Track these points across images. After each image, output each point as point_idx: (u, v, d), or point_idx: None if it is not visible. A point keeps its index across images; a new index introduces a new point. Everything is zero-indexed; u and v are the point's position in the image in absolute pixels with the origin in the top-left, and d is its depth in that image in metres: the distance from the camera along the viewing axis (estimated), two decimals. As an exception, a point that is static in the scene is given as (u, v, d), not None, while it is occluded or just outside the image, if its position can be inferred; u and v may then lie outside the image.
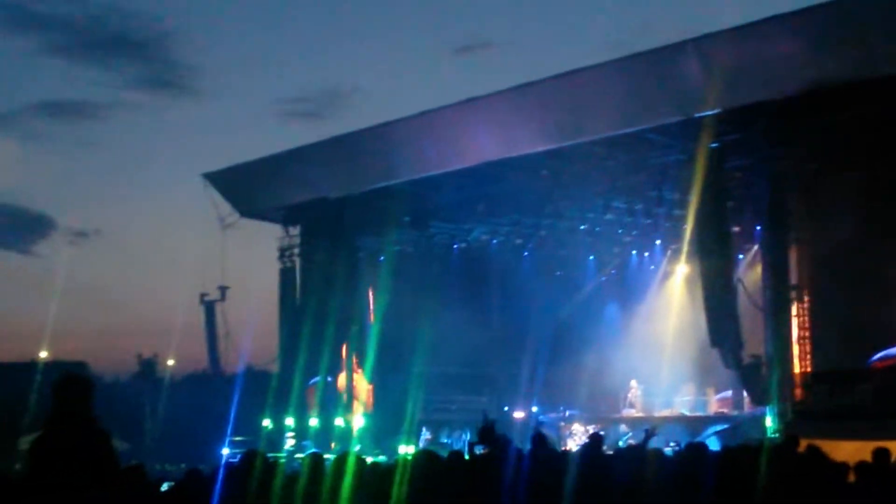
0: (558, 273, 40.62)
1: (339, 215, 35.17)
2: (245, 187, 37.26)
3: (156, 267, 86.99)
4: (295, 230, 37.90)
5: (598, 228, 37.10)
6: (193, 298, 39.97)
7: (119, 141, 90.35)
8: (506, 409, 38.61)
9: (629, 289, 40.96)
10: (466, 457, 11.97)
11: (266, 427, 35.09)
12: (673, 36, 26.07)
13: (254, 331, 40.07)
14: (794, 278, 27.29)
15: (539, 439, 12.78)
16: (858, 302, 24.35)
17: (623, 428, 34.14)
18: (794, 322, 26.80)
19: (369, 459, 11.06)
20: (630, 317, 40.51)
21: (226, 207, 37.46)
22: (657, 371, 38.23)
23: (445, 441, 35.19)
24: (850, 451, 12.19)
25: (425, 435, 35.58)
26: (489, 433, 9.30)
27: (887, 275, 23.98)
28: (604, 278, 41.65)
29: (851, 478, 10.34)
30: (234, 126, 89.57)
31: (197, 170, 38.63)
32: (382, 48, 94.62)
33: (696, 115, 25.95)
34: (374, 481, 9.45)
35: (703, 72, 25.31)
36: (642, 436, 25.21)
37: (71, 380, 6.25)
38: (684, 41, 26.27)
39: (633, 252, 40.29)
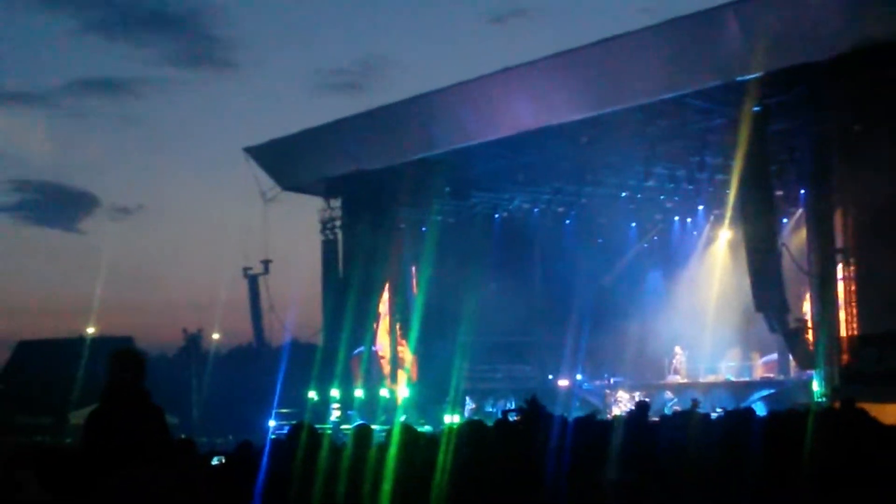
0: (600, 241, 40.51)
1: (380, 187, 35.23)
2: (286, 161, 37.36)
3: (199, 242, 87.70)
4: (336, 202, 38.00)
5: (639, 195, 36.95)
6: (237, 272, 40.31)
7: (159, 117, 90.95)
8: (550, 377, 38.67)
9: (672, 255, 40.82)
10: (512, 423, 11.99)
11: (312, 399, 35.29)
12: (708, 1, 25.72)
13: (297, 304, 40.37)
14: (839, 241, 27.02)
15: (642, 407, 12.79)
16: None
17: (668, 394, 34.12)
18: (840, 286, 26.55)
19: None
20: (673, 283, 40.37)
21: (267, 181, 37.64)
22: (701, 337, 38.06)
23: (490, 410, 35.29)
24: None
25: (470, 405, 35.69)
26: (530, 404, 9.32)
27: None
28: (646, 245, 41.54)
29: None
30: (272, 99, 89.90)
31: (238, 144, 38.85)
32: (417, 19, 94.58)
33: (738, 78, 25.74)
34: (420, 451, 9.49)
35: (743, 35, 25.07)
36: (687, 403, 25.26)
37: (125, 354, 6.30)
38: (724, 5, 26.01)
39: (676, 218, 40.12)
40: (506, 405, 35.22)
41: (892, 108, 23.00)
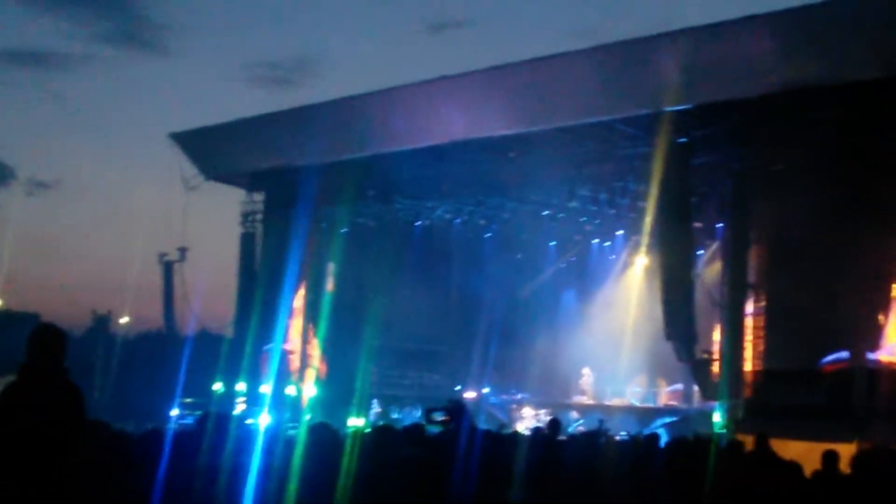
0: (518, 256, 40.78)
1: (304, 184, 35.03)
2: (211, 150, 37.04)
3: (115, 223, 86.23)
4: (259, 196, 37.75)
5: (561, 214, 37.22)
6: (152, 258, 39.83)
7: (85, 94, 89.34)
8: (457, 388, 38.73)
9: (588, 277, 41.20)
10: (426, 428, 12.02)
11: (217, 391, 35.00)
12: (647, 27, 26.14)
13: (211, 294, 40.00)
14: (751, 277, 27.54)
15: (555, 425, 12.89)
16: (812, 305, 24.60)
17: (574, 414, 34.39)
18: (749, 320, 27.04)
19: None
20: (586, 304, 40.77)
21: (191, 169, 37.24)
22: (610, 360, 38.48)
23: (396, 416, 35.28)
24: (798, 450, 12.36)
25: (375, 408, 35.65)
26: (455, 406, 9.35)
27: (841, 281, 24.24)
28: (563, 264, 41.87)
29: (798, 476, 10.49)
30: (202, 88, 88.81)
31: (163, 129, 38.40)
32: (357, 20, 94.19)
33: (666, 108, 26.06)
34: (329, 451, 9.49)
35: (675, 66, 25.40)
36: (593, 423, 25.51)
37: (48, 331, 6.19)
38: (659, 35, 26.37)
39: (595, 240, 40.50)
40: (412, 412, 35.29)
41: (813, 151, 23.48)
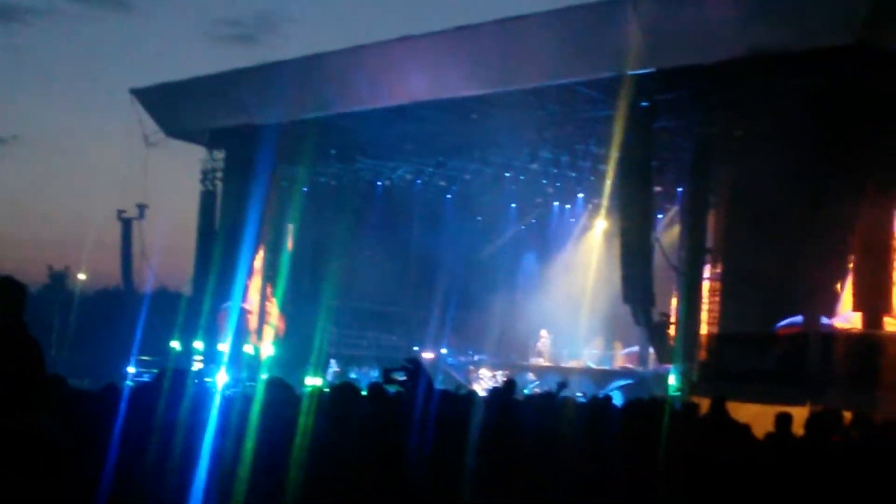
0: (479, 218, 40.84)
1: (265, 143, 34.80)
2: (173, 107, 36.76)
3: (74, 179, 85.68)
4: (219, 154, 37.51)
5: (522, 177, 37.30)
6: (111, 214, 39.58)
7: (46, 48, 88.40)
8: (415, 349, 38.85)
9: (547, 239, 41.36)
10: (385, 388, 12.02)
11: (174, 349, 34.91)
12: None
13: (170, 252, 39.82)
14: (710, 241, 27.70)
15: (510, 385, 12.93)
16: (769, 271, 24.77)
17: (530, 376, 34.58)
18: (706, 285, 27.23)
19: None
20: (546, 267, 40.95)
21: (151, 125, 36.96)
22: (568, 322, 38.70)
23: (353, 376, 35.30)
24: (752, 413, 12.50)
25: (333, 368, 35.66)
26: (413, 365, 9.32)
27: (800, 248, 24.42)
28: (523, 227, 41.97)
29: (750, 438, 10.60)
30: (165, 44, 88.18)
31: (124, 85, 38.16)
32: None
33: (629, 72, 26.08)
34: (287, 409, 9.48)
35: (639, 30, 25.40)
36: (549, 385, 25.64)
37: (5, 283, 6.09)
38: (624, -2, 26.35)
39: (555, 203, 40.63)
40: (369, 373, 35.35)
41: (774, 117, 23.58)
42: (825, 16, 22.69)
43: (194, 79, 35.98)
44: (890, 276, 22.81)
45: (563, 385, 14.47)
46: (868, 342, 17.72)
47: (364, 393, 10.77)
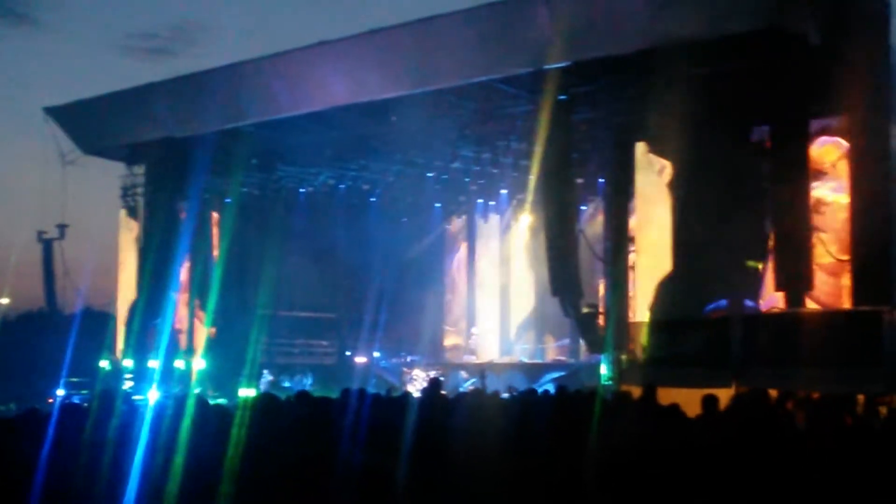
0: (404, 220, 40.87)
1: (185, 155, 34.53)
2: (88, 124, 36.28)
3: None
4: (139, 169, 37.10)
5: (445, 176, 37.36)
6: (30, 236, 38.96)
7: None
8: (348, 353, 38.84)
9: (474, 237, 41.49)
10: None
11: (104, 369, 34.49)
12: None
13: (94, 270, 39.30)
14: (633, 230, 27.97)
15: (436, 382, 12.96)
16: (693, 257, 25.07)
17: (464, 374, 34.66)
18: (632, 273, 27.48)
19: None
20: (474, 264, 41.10)
21: (67, 144, 36.46)
22: (498, 318, 38.92)
23: (287, 385, 35.19)
24: (681, 398, 12.64)
25: (267, 377, 35.48)
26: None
27: (721, 233, 24.73)
28: (449, 226, 42.07)
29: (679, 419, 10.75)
30: (76, 60, 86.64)
31: (37, 103, 37.52)
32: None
33: (545, 66, 26.25)
34: (214, 422, 9.44)
35: (552, 24, 25.58)
36: (479, 380, 25.81)
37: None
38: (535, -7, 26.52)
39: (479, 200, 40.74)
40: (302, 380, 35.29)
41: (688, 105, 23.85)
42: (735, 2, 23.02)
43: (109, 94, 35.54)
44: (809, 255, 23.17)
45: (483, 377, 14.62)
46: (788, 321, 18.02)
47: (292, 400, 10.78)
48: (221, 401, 24.71)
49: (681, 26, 23.22)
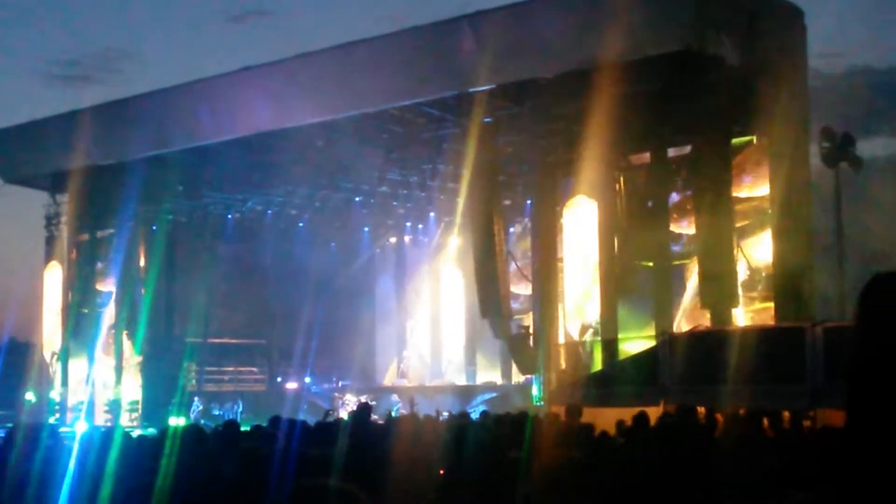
0: (332, 244, 40.81)
1: (110, 183, 34.20)
2: (10, 152, 35.83)
3: None
4: (63, 198, 36.65)
5: (372, 200, 37.39)
6: (-49, 268, 38.36)
7: None
8: (279, 380, 38.63)
9: (403, 260, 41.54)
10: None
11: (29, 401, 33.98)
12: (448, 11, 26.39)
13: (17, 301, 38.65)
14: (559, 251, 28.13)
15: (364, 409, 12.92)
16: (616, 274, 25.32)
17: (395, 398, 34.63)
18: (560, 293, 27.59)
19: (137, 433, 10.93)
20: (403, 288, 41.13)
21: (-12, 173, 36.01)
22: (429, 341, 38.93)
23: (217, 413, 34.91)
24: (612, 417, 12.78)
25: (198, 406, 35.17)
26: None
27: (644, 252, 25.03)
28: (378, 250, 42.07)
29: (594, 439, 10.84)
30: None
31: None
32: (156, 13, 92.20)
33: (470, 90, 26.40)
34: (141, 454, 9.34)
35: (476, 48, 25.74)
36: (413, 406, 25.76)
37: None
38: (459, 17, 26.69)
39: (408, 224, 40.78)
40: (233, 408, 35.01)
41: (610, 126, 24.11)
42: (653, 26, 23.37)
43: (32, 122, 35.17)
44: (733, 272, 23.48)
45: (412, 403, 14.61)
46: (714, 339, 18.25)
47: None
48: (151, 430, 24.45)
49: (602, 49, 23.48)
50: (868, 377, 2.85)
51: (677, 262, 26.52)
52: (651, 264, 24.84)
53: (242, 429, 12.10)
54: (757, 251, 25.12)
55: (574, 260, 26.24)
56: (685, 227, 26.02)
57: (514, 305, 29.83)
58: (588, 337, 25.51)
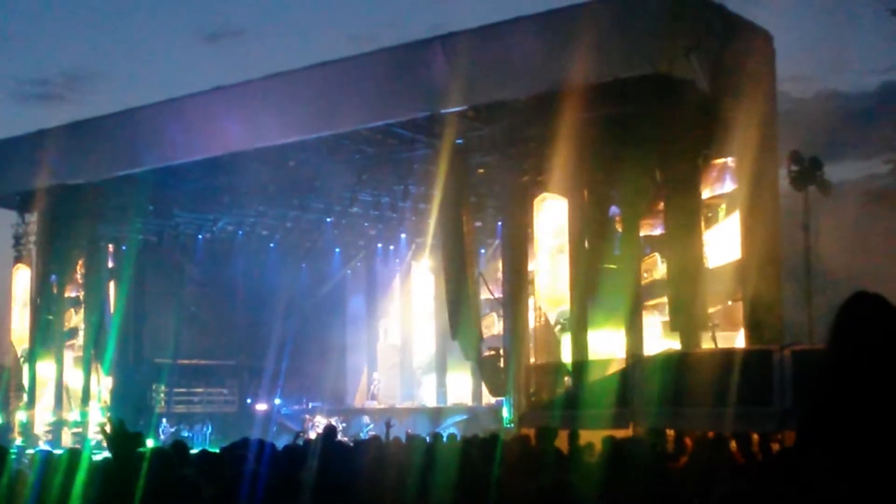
0: (303, 265, 40.74)
1: (80, 203, 34.04)
2: (-23, 172, 35.61)
3: None
4: (31, 217, 36.39)
5: (344, 221, 37.37)
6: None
7: None
8: (249, 401, 38.45)
9: (374, 281, 41.51)
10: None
11: (-4, 423, 33.73)
12: (420, 32, 26.53)
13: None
14: (531, 273, 28.18)
15: (330, 430, 12.86)
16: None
17: (365, 419, 34.55)
18: (531, 315, 27.64)
19: (101, 455, 10.82)
20: (374, 309, 41.10)
21: (-44, 192, 35.75)
22: (399, 363, 38.88)
23: (186, 435, 34.65)
24: (582, 439, 12.76)
25: (168, 429, 34.87)
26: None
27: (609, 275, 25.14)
28: (349, 271, 42.03)
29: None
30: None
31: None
32: (128, 32, 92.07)
33: (442, 111, 26.48)
34: (109, 477, 9.27)
35: (448, 69, 25.85)
36: (383, 427, 25.70)
37: None
38: (431, 38, 26.85)
39: (379, 245, 40.77)
40: (202, 430, 34.79)
41: (582, 150, 24.22)
42: (623, 50, 23.53)
43: (0, 141, 34.99)
44: (703, 296, 23.56)
45: (388, 426, 14.61)
46: (683, 361, 18.29)
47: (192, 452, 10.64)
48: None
49: (573, 71, 23.61)
50: (838, 390, 2.87)
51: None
52: (615, 266, 24.91)
53: (211, 450, 12.06)
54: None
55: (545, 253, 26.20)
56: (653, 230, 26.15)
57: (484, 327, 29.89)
58: (557, 329, 25.55)
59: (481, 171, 29.75)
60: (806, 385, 14.90)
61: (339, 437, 17.56)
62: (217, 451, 11.85)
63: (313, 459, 10.44)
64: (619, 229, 25.56)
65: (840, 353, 2.99)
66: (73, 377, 35.45)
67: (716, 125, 23.67)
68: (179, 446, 10.94)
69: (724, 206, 25.28)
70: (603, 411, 17.68)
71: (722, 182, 25.39)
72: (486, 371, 27.90)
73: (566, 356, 25.05)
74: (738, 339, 23.91)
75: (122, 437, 8.89)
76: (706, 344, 22.89)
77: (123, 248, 36.72)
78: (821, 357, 2.99)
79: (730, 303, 24.63)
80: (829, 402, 2.94)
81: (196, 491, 8.40)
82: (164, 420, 35.10)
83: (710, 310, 24.10)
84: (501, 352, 27.59)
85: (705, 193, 25.49)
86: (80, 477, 9.23)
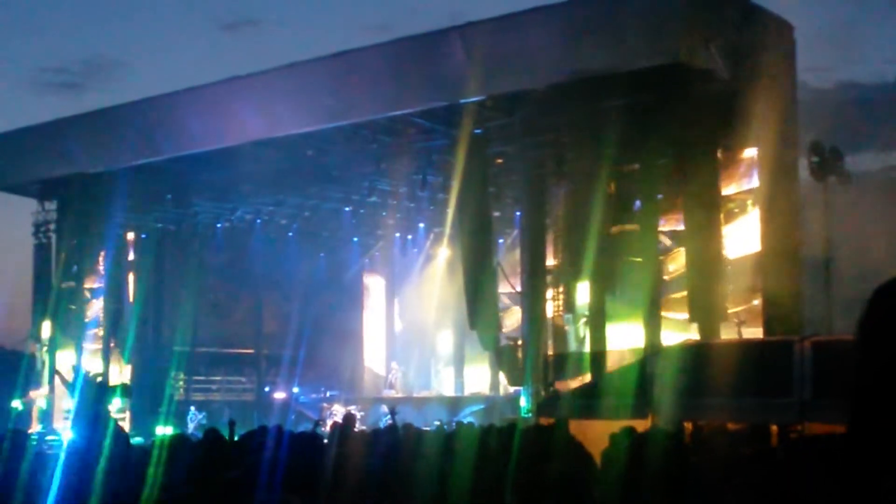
0: (322, 254, 40.78)
1: (99, 191, 34.16)
2: (-1, 159, 35.79)
3: None
4: (51, 205, 36.56)
5: (362, 210, 37.39)
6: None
7: None
8: (267, 389, 38.56)
9: (392, 271, 41.51)
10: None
11: (15, 409, 33.84)
12: (438, 22, 26.51)
13: (5, 309, 38.51)
14: (549, 263, 28.19)
15: (349, 418, 12.89)
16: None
17: (383, 408, 34.57)
18: (550, 305, 27.64)
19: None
20: (392, 299, 41.11)
21: (-23, 180, 35.93)
22: (418, 352, 38.90)
23: (204, 423, 34.77)
24: (600, 430, 12.75)
25: (196, 415, 34.86)
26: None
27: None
28: (367, 260, 42.06)
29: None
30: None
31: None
32: (147, 21, 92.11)
33: (461, 101, 26.45)
34: (130, 462, 9.34)
35: (466, 59, 25.79)
36: (402, 416, 25.74)
37: None
38: (449, 28, 26.79)
39: (397, 234, 40.79)
40: (221, 417, 34.88)
41: (601, 139, 24.18)
42: (643, 39, 23.44)
43: (20, 129, 35.10)
44: (722, 286, 23.52)
45: (393, 412, 14.62)
46: (702, 352, 18.25)
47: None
48: (138, 440, 24.41)
49: (592, 61, 23.58)
50: (871, 386, 2.85)
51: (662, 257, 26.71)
52: (640, 260, 24.83)
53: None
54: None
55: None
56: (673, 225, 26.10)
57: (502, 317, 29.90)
58: (581, 322, 25.58)
59: (500, 160, 29.74)
60: (825, 376, 14.90)
61: (358, 426, 17.61)
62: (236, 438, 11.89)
63: (332, 447, 10.48)
64: (639, 223, 25.50)
65: (870, 341, 2.96)
66: (93, 365, 35.60)
67: (735, 116, 23.57)
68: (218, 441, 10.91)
69: (750, 201, 25.23)
70: (622, 401, 17.68)
71: (750, 177, 25.33)
72: (504, 360, 27.92)
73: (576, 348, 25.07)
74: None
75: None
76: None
77: (143, 236, 36.85)
78: (850, 348, 2.97)
79: (755, 302, 24.56)
80: (870, 395, 2.92)
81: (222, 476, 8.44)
82: (191, 408, 35.17)
83: (736, 308, 24.07)
84: (519, 342, 27.60)
85: (732, 188, 25.47)
86: (102, 463, 9.28)
